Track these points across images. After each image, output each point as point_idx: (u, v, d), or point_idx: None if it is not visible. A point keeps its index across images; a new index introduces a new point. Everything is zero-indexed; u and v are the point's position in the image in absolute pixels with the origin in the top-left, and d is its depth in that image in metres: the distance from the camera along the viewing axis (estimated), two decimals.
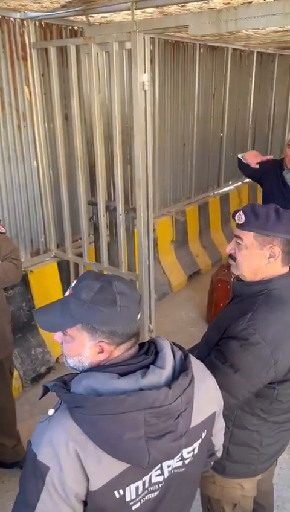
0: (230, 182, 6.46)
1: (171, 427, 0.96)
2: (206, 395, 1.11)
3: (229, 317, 1.43)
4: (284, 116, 7.54)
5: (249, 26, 2.27)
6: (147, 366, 0.98)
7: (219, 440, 1.26)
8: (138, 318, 1.05)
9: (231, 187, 6.46)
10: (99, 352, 1.01)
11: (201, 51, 5.14)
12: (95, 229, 3.49)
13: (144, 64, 2.73)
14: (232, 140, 6.24)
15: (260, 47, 5.98)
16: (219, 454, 1.30)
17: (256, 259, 1.43)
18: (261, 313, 1.36)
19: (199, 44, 5.05)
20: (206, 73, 5.36)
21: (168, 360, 1.00)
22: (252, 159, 3.29)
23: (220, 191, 6.21)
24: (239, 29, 2.26)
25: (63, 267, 3.81)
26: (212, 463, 1.33)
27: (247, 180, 6.70)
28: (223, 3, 2.80)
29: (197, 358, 1.49)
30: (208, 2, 2.73)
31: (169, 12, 3.02)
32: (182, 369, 1.01)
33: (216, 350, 1.40)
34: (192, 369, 1.03)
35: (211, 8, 2.84)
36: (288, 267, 1.46)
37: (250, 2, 2.74)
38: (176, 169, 5.29)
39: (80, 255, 3.64)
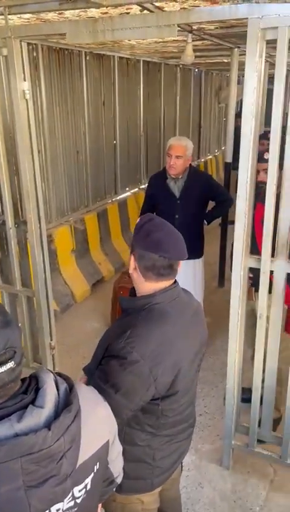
0: (127, 189, 6.53)
1: (53, 470, 0.89)
2: (97, 426, 1.05)
3: (113, 333, 1.41)
4: (174, 123, 7.84)
5: (125, 37, 2.29)
6: (26, 407, 0.90)
7: (116, 467, 1.21)
8: (12, 344, 0.89)
9: (129, 193, 6.54)
10: None
11: (87, 58, 5.12)
12: None
13: (23, 71, 2.61)
14: (125, 147, 6.32)
15: (145, 56, 6.14)
16: (119, 480, 1.25)
17: (132, 271, 1.44)
18: (140, 330, 1.34)
19: (85, 51, 5.03)
20: (94, 81, 5.35)
21: (49, 397, 0.92)
22: None
23: (118, 198, 6.25)
24: (116, 39, 2.27)
25: None
26: (114, 489, 1.28)
27: (143, 186, 6.86)
28: (101, 13, 2.80)
29: (90, 376, 1.46)
30: (86, 11, 2.71)
31: (47, 19, 2.93)
32: (66, 404, 0.95)
33: (99, 370, 1.37)
34: (78, 402, 0.97)
35: (89, 17, 2.82)
36: (170, 281, 1.45)
37: (127, 13, 2.77)
38: (71, 177, 5.20)
39: None
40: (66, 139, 4.98)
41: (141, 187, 6.72)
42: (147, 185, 3.69)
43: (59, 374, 1.03)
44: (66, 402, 0.95)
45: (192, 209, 3.34)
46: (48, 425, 0.88)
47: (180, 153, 3.23)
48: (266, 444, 2.57)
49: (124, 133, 6.20)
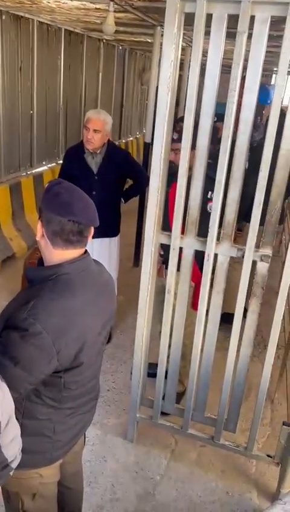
0: (44, 163, 6.28)
1: None
2: None
3: (15, 304, 1.32)
4: (95, 99, 7.67)
5: None
6: None
7: (11, 451, 1.14)
8: None
9: (45, 167, 6.29)
10: None
11: (3, 18, 4.76)
12: None
13: None
14: (43, 119, 6.04)
15: (67, 24, 5.88)
16: (15, 464, 1.17)
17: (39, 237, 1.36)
18: (45, 301, 1.28)
19: (1, 10, 4.66)
20: (10, 43, 5.01)
21: None
22: None
23: (33, 171, 5.98)
24: None
25: None
26: (10, 473, 1.20)
27: (61, 161, 6.63)
28: None
29: None
30: None
31: None
32: None
33: None
34: None
35: None
36: (80, 250, 1.38)
37: None
38: None
39: None
40: None
41: (58, 162, 6.48)
42: (64, 156, 3.53)
43: None
44: None
45: (110, 186, 3.26)
46: None
47: (98, 127, 3.11)
48: (169, 417, 2.65)
49: (42, 103, 5.92)
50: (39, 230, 1.35)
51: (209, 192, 2.24)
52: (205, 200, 2.26)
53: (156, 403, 2.57)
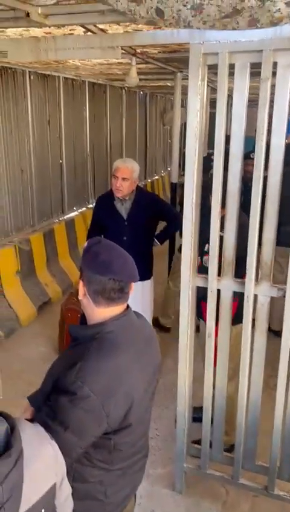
0: (74, 208, 6.46)
1: None
2: (42, 469, 0.97)
3: (62, 365, 1.33)
4: (120, 143, 7.92)
5: (69, 57, 2.28)
6: None
7: (66, 510, 1.13)
8: None
9: (76, 213, 6.47)
10: None
11: (31, 78, 5.07)
12: None
13: None
14: (72, 167, 6.27)
15: (91, 77, 6.19)
16: None
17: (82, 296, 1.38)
18: (91, 363, 1.28)
19: (29, 71, 4.97)
20: (39, 100, 5.30)
21: None
22: None
23: (65, 217, 6.16)
24: (59, 59, 2.25)
25: None
26: None
27: (91, 205, 6.82)
28: (44, 33, 2.77)
29: (37, 410, 1.36)
30: (28, 30, 2.67)
31: None
32: (6, 448, 0.86)
33: (47, 406, 1.28)
34: (20, 445, 0.89)
35: (32, 37, 2.78)
36: (122, 306, 1.39)
37: (71, 34, 2.77)
38: (15, 196, 5.06)
39: None
40: (9, 158, 4.86)
41: (88, 206, 6.67)
42: (95, 205, 3.64)
43: (0, 413, 0.94)
44: (7, 445, 0.87)
45: (140, 230, 3.31)
46: None
47: (126, 175, 3.19)
48: (218, 464, 2.55)
49: (70, 152, 6.16)
50: (81, 289, 1.37)
51: (207, 245, 2.26)
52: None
53: (203, 452, 2.48)
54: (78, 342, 1.38)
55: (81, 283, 1.37)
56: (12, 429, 0.90)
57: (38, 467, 0.95)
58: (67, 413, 1.23)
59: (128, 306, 1.44)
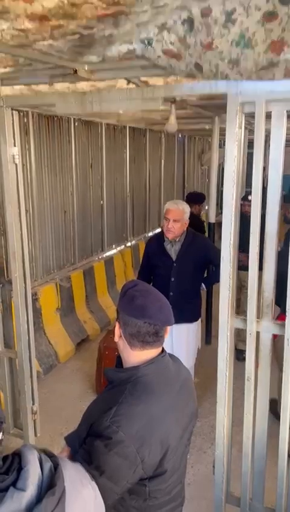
0: (113, 246, 6.61)
1: None
2: (82, 508, 0.98)
3: (98, 408, 1.35)
4: (159, 184, 8.12)
5: (113, 109, 2.42)
6: (7, 489, 0.84)
7: None
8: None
9: (115, 251, 6.61)
10: None
11: (76, 124, 5.37)
12: None
13: (13, 137, 2.72)
14: (112, 207, 6.48)
15: (131, 122, 6.47)
16: None
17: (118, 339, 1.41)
18: (126, 407, 1.29)
19: (74, 118, 5.28)
20: (82, 145, 5.58)
21: (32, 479, 0.87)
22: None
23: (104, 255, 6.30)
24: (103, 111, 2.39)
25: None
26: None
27: (129, 244, 6.96)
28: (90, 86, 2.98)
29: (74, 452, 1.38)
30: (75, 83, 2.88)
31: (38, 90, 3.10)
32: (50, 486, 0.89)
33: (83, 450, 1.29)
34: (62, 484, 0.91)
35: (78, 89, 2.99)
36: (157, 350, 1.41)
37: (114, 85, 2.96)
38: (58, 236, 5.26)
39: None
40: (54, 200, 5.09)
41: (127, 245, 6.81)
42: (146, 245, 3.65)
43: (44, 451, 0.97)
44: (50, 483, 0.89)
45: (188, 272, 3.29)
46: (29, 509, 0.83)
47: (177, 217, 3.22)
48: None
49: (110, 193, 6.39)
50: (117, 331, 1.41)
51: None
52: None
53: (243, 502, 2.38)
54: (114, 384, 1.40)
55: (117, 325, 1.40)
56: (55, 467, 0.93)
57: (79, 506, 0.96)
58: (103, 458, 1.23)
59: (163, 349, 1.45)
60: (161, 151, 8.11)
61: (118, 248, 6.71)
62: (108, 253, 6.40)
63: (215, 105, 3.89)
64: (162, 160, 8.16)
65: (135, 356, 1.38)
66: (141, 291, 1.40)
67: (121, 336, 1.39)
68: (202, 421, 3.62)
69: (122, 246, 6.79)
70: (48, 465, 0.92)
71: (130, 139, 6.84)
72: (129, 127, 6.72)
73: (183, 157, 9.56)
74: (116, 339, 1.41)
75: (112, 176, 6.37)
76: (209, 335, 5.08)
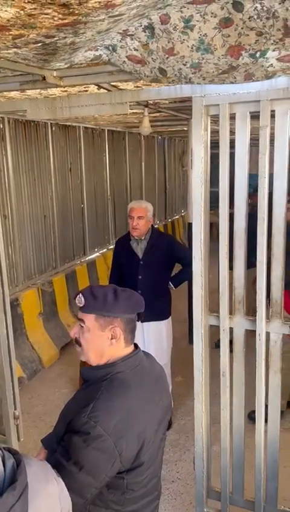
0: (96, 249, 6.63)
1: None
2: (47, 504, 1.00)
3: (75, 406, 1.38)
4: (140, 186, 8.17)
5: (82, 114, 2.45)
6: None
7: None
8: None
9: (97, 254, 6.64)
10: None
11: (53, 129, 5.39)
12: None
13: None
14: (93, 210, 6.50)
15: (109, 126, 6.51)
16: None
17: (99, 341, 1.42)
18: (103, 402, 1.32)
19: (51, 123, 5.29)
20: (60, 150, 5.59)
21: None
22: None
23: (87, 259, 6.32)
24: (73, 116, 2.42)
25: None
26: None
27: (112, 246, 6.98)
28: (61, 91, 3.00)
29: (51, 452, 1.40)
30: (46, 89, 2.90)
31: (10, 97, 3.12)
32: (12, 482, 0.91)
33: (61, 447, 1.32)
34: (25, 479, 0.92)
35: (49, 95, 3.02)
36: (131, 346, 1.47)
37: (86, 91, 2.99)
38: (38, 240, 5.26)
39: None
40: (33, 205, 5.10)
41: (109, 248, 6.83)
42: (114, 246, 3.78)
43: (8, 449, 1.00)
44: (12, 479, 0.92)
45: (155, 270, 3.37)
46: None
47: (141, 214, 3.33)
48: (240, 508, 2.47)
49: (91, 197, 6.41)
50: (118, 334, 1.43)
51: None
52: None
53: (224, 496, 2.43)
54: (90, 382, 1.44)
55: (117, 329, 1.41)
56: (18, 464, 0.95)
57: (43, 502, 0.98)
58: (81, 453, 1.26)
59: (136, 346, 1.50)
60: (141, 153, 8.15)
61: (101, 251, 6.73)
62: (90, 257, 6.42)
63: (189, 108, 3.95)
64: (143, 163, 8.21)
65: (121, 352, 1.44)
66: (126, 290, 1.47)
67: (119, 338, 1.42)
68: (185, 419, 3.67)
69: (105, 249, 6.82)
70: (10, 461, 0.94)
71: (109, 142, 6.87)
72: (108, 130, 6.75)
73: (164, 158, 9.63)
74: (112, 344, 1.42)
75: (91, 179, 6.39)
76: (192, 335, 5.12)
